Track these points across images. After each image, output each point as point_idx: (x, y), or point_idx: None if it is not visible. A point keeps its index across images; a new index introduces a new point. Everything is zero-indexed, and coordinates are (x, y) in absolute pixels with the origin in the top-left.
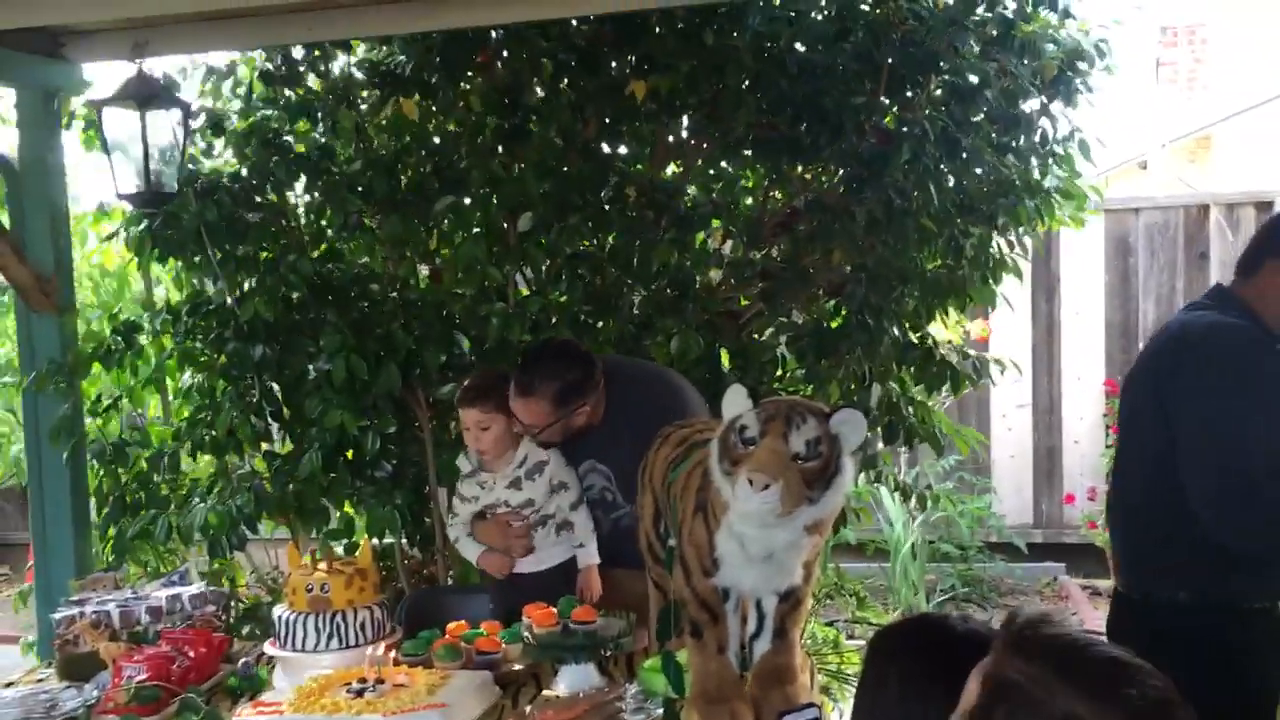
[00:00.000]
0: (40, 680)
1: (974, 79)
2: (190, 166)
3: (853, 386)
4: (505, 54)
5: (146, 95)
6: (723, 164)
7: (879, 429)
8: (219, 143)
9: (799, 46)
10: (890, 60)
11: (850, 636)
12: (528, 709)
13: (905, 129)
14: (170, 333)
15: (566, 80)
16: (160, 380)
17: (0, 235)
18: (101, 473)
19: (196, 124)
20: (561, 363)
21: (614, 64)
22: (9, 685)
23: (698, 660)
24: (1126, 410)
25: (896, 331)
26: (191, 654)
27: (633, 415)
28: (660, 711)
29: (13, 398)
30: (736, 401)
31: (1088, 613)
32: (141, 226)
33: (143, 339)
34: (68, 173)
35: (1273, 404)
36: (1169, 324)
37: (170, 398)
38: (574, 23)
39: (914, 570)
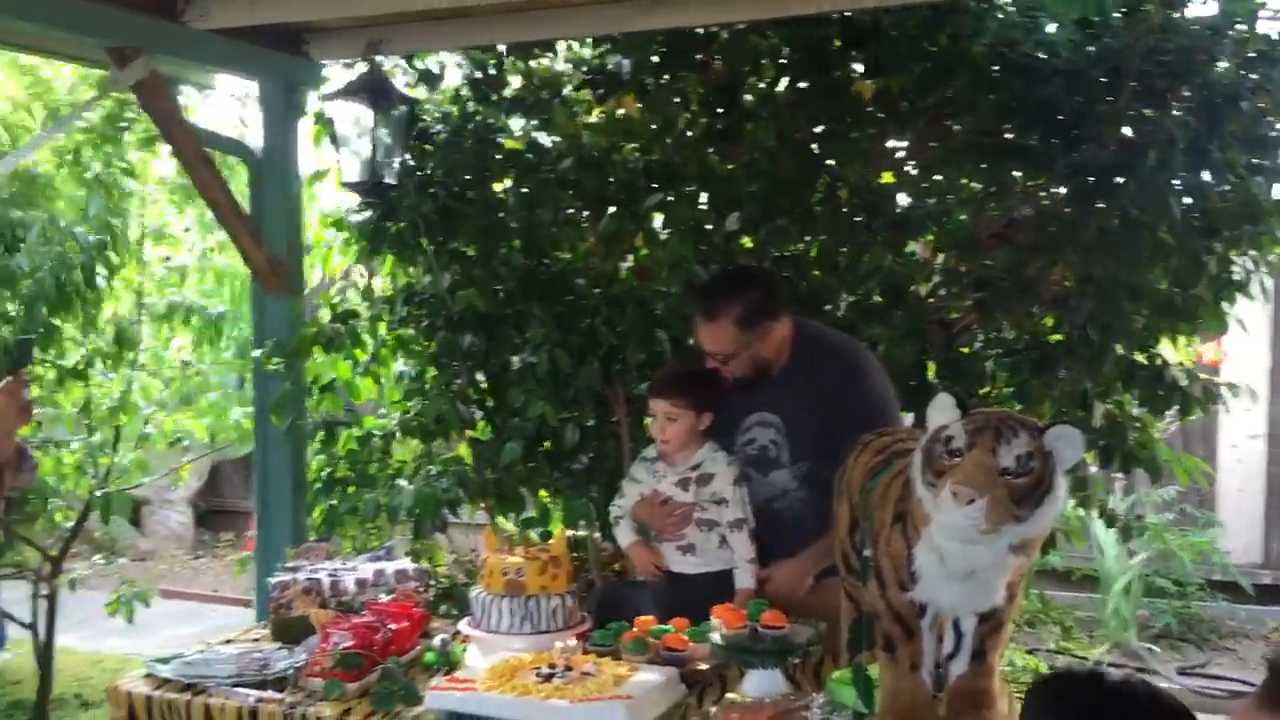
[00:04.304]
0: (256, 640)
1: (1228, 90)
2: (410, 161)
3: (1063, 409)
4: (726, 53)
5: (378, 92)
6: (936, 177)
7: (1094, 451)
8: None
9: (1039, 54)
10: (1144, 68)
11: (1052, 667)
12: (712, 709)
13: (1151, 137)
14: (386, 320)
15: (787, 80)
16: (375, 367)
17: (241, 220)
18: (316, 449)
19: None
20: (741, 285)
21: (842, 65)
22: (228, 642)
23: (890, 676)
24: None
25: (1122, 350)
26: (393, 626)
27: (818, 377)
28: None
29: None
30: (944, 411)
31: None
32: (364, 217)
33: (359, 327)
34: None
35: None
36: None
37: (384, 382)
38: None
39: (1125, 604)
